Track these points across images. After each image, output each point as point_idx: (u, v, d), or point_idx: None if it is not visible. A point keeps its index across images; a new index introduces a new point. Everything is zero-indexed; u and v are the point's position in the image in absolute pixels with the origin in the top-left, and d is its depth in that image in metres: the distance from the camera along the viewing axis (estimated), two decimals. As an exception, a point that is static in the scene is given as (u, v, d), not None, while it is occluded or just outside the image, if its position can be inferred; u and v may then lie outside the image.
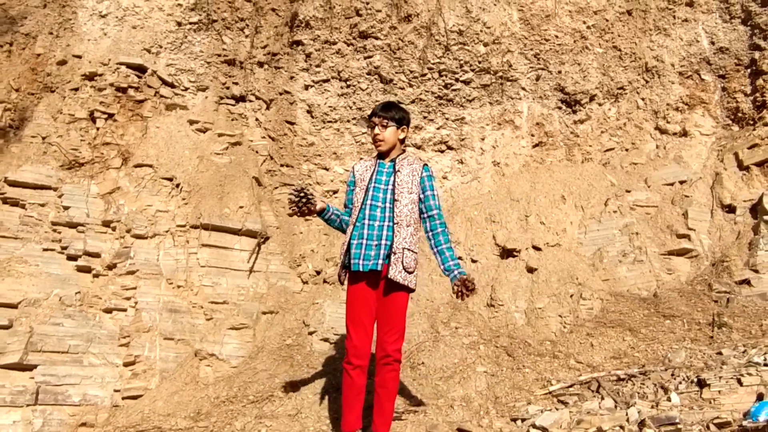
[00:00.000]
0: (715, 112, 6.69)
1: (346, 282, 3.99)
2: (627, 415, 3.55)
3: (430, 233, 3.96)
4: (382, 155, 4.05)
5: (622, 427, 3.33)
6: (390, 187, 3.91)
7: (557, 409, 3.99)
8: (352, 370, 3.82)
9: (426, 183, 3.98)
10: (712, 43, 6.73)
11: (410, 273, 3.84)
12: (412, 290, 3.92)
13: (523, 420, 4.04)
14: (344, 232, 4.06)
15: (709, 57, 6.74)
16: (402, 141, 4.07)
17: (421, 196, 3.96)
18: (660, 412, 3.52)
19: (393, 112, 4.00)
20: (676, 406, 3.65)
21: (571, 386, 4.41)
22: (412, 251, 3.88)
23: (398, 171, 3.96)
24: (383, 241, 3.81)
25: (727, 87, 6.66)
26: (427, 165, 4.08)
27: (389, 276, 3.77)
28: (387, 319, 3.83)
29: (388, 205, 3.87)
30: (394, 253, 3.79)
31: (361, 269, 3.80)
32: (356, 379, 3.82)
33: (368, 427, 4.04)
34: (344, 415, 3.89)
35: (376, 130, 3.97)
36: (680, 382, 4.03)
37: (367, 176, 3.99)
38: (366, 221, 3.86)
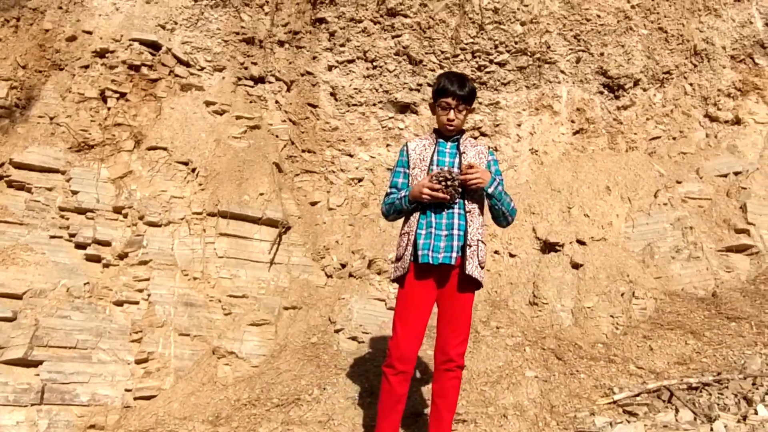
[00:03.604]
0: (770, 98, 6.25)
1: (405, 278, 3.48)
2: (712, 430, 3.13)
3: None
4: (443, 135, 3.58)
5: (709, 445, 2.92)
6: (456, 170, 3.45)
7: (628, 422, 3.56)
8: (393, 376, 3.36)
9: (492, 168, 3.56)
10: (767, 24, 6.27)
11: (482, 267, 3.45)
12: (481, 287, 3.54)
13: (589, 433, 3.62)
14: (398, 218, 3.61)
15: (763, 40, 6.30)
16: None
17: None
18: (750, 428, 3.09)
19: (469, 91, 3.50)
20: (767, 420, 3.22)
21: (638, 395, 3.98)
22: (484, 243, 3.48)
23: (463, 153, 3.51)
24: (455, 231, 3.36)
25: (783, 72, 6.22)
26: (490, 148, 3.65)
27: (467, 271, 3.33)
28: (452, 319, 3.39)
29: None
30: (469, 246, 3.36)
31: (431, 261, 3.34)
32: (396, 387, 3.36)
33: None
34: (379, 426, 3.46)
35: (451, 115, 3.46)
36: (766, 393, 3.60)
37: (427, 156, 3.50)
38: (433, 209, 3.40)
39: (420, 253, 3.35)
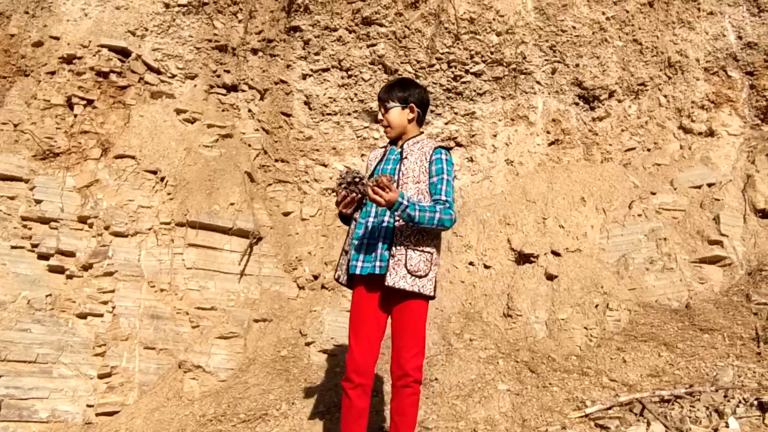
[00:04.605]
0: (743, 111, 6.25)
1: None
2: (684, 445, 3.07)
3: None
4: (394, 141, 3.54)
5: (681, 460, 2.84)
6: (395, 176, 3.37)
7: (600, 437, 3.50)
8: (351, 390, 3.25)
9: (434, 167, 3.35)
10: (740, 37, 6.30)
11: (421, 277, 3.24)
12: (429, 297, 3.32)
13: (558, 448, 3.54)
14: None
15: (736, 52, 6.30)
16: (419, 123, 3.52)
17: (429, 181, 3.35)
18: (723, 442, 3.03)
19: (396, 91, 3.44)
20: (739, 434, 3.17)
21: (609, 408, 3.91)
22: (421, 251, 3.27)
23: (405, 157, 3.40)
24: (380, 241, 3.27)
25: (755, 84, 6.22)
26: (440, 147, 3.43)
27: (387, 282, 3.19)
28: (401, 332, 3.26)
29: None
30: (393, 256, 3.22)
31: (358, 272, 3.27)
32: (356, 401, 3.25)
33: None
34: None
35: (379, 116, 3.52)
36: (737, 405, 3.55)
37: (374, 164, 3.52)
38: (369, 218, 3.34)
39: (350, 263, 3.31)
